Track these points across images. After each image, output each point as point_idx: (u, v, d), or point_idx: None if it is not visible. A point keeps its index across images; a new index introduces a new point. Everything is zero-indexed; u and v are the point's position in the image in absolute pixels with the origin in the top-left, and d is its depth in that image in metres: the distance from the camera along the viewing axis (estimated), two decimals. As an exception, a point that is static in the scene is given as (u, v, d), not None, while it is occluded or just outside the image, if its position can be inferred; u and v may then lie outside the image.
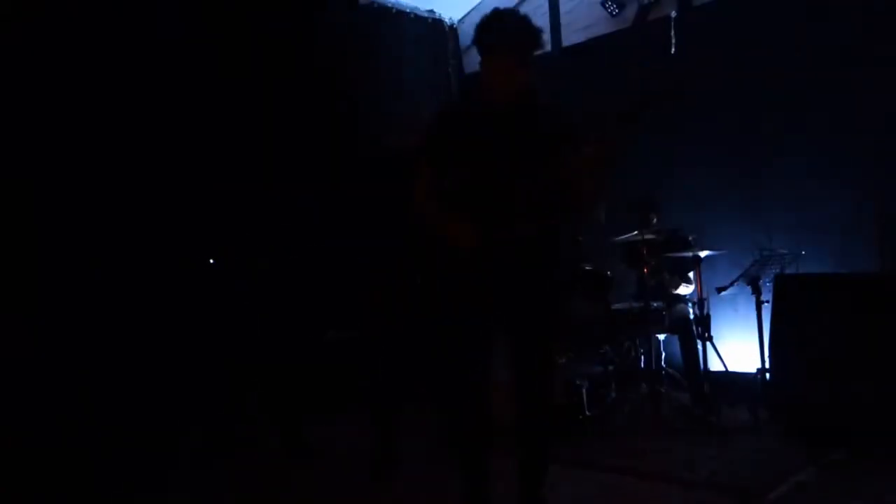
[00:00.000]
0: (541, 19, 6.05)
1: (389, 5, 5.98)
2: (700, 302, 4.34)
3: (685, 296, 4.61)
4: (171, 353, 4.21)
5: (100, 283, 4.00)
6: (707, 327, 4.35)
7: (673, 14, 5.17)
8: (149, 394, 4.08)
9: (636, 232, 4.33)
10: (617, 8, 5.49)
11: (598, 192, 2.45)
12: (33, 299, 3.80)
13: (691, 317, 4.45)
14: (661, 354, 4.47)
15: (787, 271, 4.17)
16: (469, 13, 6.38)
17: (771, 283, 4.15)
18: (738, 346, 4.69)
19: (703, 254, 4.25)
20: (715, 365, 4.42)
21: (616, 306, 4.48)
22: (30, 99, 3.90)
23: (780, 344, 4.01)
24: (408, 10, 6.16)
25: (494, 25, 2.48)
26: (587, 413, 4.06)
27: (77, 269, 3.95)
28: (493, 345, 2.59)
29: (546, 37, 5.80)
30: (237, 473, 3.79)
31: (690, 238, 4.50)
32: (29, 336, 3.69)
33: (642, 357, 4.50)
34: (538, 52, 2.56)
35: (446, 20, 6.52)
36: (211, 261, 4.37)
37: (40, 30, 3.93)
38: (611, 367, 4.38)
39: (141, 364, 4.09)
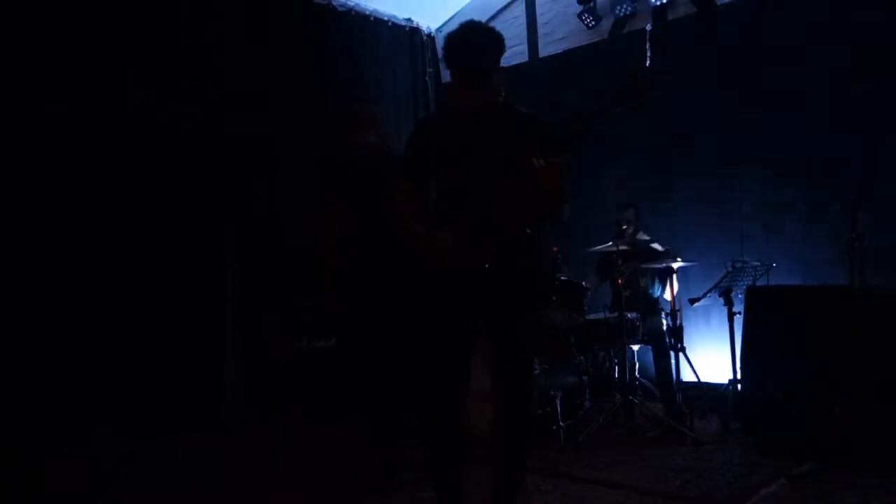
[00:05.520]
0: (518, 29, 6.10)
1: (367, 13, 5.97)
2: (673, 313, 4.37)
3: (659, 307, 4.64)
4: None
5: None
6: (680, 338, 4.39)
7: (648, 27, 5.23)
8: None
9: (611, 243, 4.35)
10: (593, 20, 5.54)
11: (557, 200, 2.47)
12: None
13: (665, 328, 4.48)
14: (636, 365, 4.48)
15: (759, 283, 4.22)
16: (446, 22, 6.40)
17: (743, 295, 4.20)
18: (710, 357, 4.74)
19: (676, 265, 4.29)
20: (687, 376, 4.46)
21: (591, 317, 4.50)
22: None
23: (751, 355, 4.05)
24: (385, 19, 6.15)
25: (457, 41, 2.48)
26: (560, 423, 4.06)
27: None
28: (473, 354, 2.58)
29: (522, 47, 5.95)
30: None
31: (664, 249, 4.54)
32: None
33: (616, 368, 4.52)
34: (514, 63, 2.57)
35: (424, 29, 6.53)
36: None
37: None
38: (585, 378, 4.38)
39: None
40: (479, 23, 2.58)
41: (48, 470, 3.51)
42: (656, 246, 4.61)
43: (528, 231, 2.53)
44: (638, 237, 4.55)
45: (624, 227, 4.52)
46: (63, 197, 4.01)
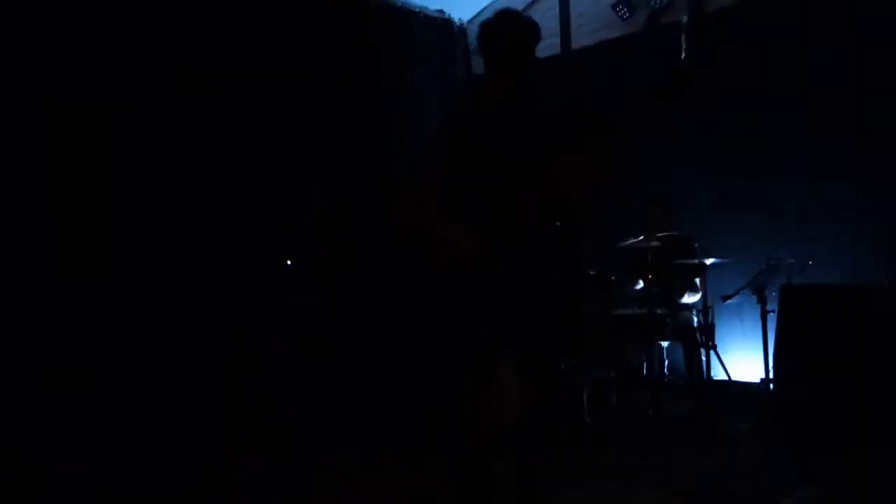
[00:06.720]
0: (551, 21, 6.02)
1: (398, 4, 5.95)
2: (705, 310, 4.31)
3: (690, 304, 4.57)
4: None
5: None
6: (711, 336, 4.32)
7: (684, 19, 5.13)
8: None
9: (641, 238, 4.30)
10: (628, 12, 5.45)
11: (586, 195, 2.42)
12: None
13: (695, 325, 4.41)
14: (664, 362, 4.44)
15: (794, 281, 4.14)
16: (479, 14, 6.35)
17: (777, 293, 4.12)
18: (741, 356, 4.65)
19: (708, 261, 4.22)
20: (718, 374, 4.39)
21: (619, 312, 4.45)
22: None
23: (785, 354, 3.97)
24: (417, 10, 6.13)
25: (492, 29, 2.45)
26: (587, 419, 4.04)
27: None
28: (493, 347, 2.55)
29: (556, 39, 5.88)
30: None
31: (696, 245, 4.47)
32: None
33: (645, 364, 4.47)
34: (548, 55, 2.54)
35: (455, 20, 6.50)
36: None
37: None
38: (612, 374, 4.34)
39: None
40: (515, 11, 2.55)
41: (48, 470, 3.52)
42: (689, 242, 4.54)
43: (557, 224, 2.50)
44: (669, 233, 4.48)
45: (651, 223, 4.47)
46: (68, 195, 4.00)
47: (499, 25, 2.46)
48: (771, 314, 4.13)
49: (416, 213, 2.57)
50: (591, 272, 4.40)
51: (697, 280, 4.49)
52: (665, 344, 4.43)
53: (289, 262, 4.35)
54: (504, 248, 2.42)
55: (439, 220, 2.47)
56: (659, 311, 4.27)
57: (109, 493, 3.39)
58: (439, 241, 2.47)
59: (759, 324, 4.16)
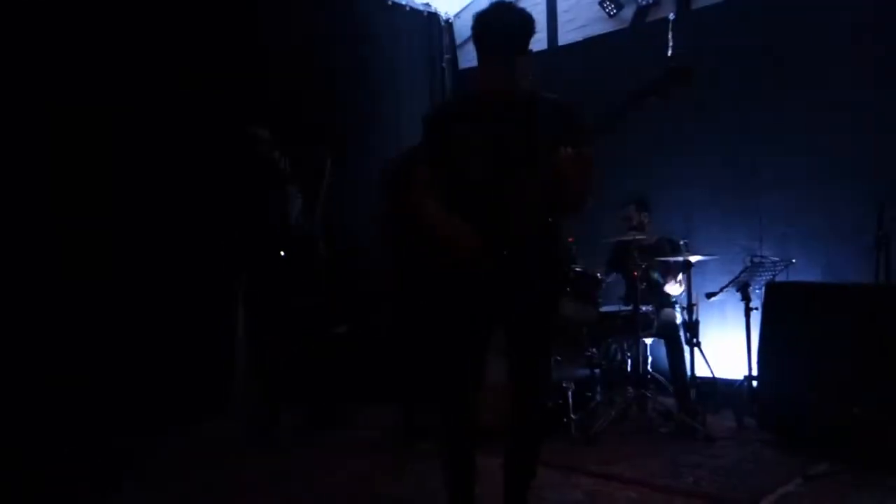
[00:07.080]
0: (538, 16, 5.95)
1: (385, -3, 5.90)
2: (689, 307, 4.31)
3: (674, 300, 4.58)
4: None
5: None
6: (695, 332, 4.32)
7: (671, 16, 5.13)
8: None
9: (627, 234, 4.29)
10: (615, 8, 5.45)
11: (585, 190, 2.39)
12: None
13: (679, 321, 4.41)
14: (648, 359, 4.43)
15: (778, 279, 4.15)
16: (465, 8, 6.31)
17: (761, 291, 4.13)
18: (725, 353, 4.67)
19: (693, 259, 4.22)
20: (701, 371, 4.40)
21: (604, 309, 4.44)
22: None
23: (769, 351, 3.98)
24: (403, 3, 6.08)
25: (489, 20, 2.41)
26: (572, 416, 4.02)
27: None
28: (488, 346, 2.52)
29: (542, 34, 5.85)
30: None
31: (681, 242, 4.47)
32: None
33: (629, 361, 4.47)
34: (533, 50, 2.50)
35: (442, 15, 6.46)
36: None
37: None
38: (597, 371, 4.33)
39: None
40: (510, 3, 2.51)
41: (48, 470, 3.49)
42: (674, 239, 4.54)
43: (549, 220, 2.46)
44: (652, 236, 4.48)
45: (629, 222, 4.48)
46: (68, 195, 3.96)
47: (495, 16, 2.41)
48: (755, 311, 4.15)
49: (416, 213, 2.52)
50: (577, 268, 4.38)
51: (681, 275, 4.49)
52: (649, 341, 4.42)
53: (282, 253, 4.29)
54: (504, 248, 2.39)
55: (439, 219, 2.43)
56: (644, 308, 4.27)
57: (110, 494, 3.33)
58: (440, 240, 2.43)
59: (743, 321, 4.18)
